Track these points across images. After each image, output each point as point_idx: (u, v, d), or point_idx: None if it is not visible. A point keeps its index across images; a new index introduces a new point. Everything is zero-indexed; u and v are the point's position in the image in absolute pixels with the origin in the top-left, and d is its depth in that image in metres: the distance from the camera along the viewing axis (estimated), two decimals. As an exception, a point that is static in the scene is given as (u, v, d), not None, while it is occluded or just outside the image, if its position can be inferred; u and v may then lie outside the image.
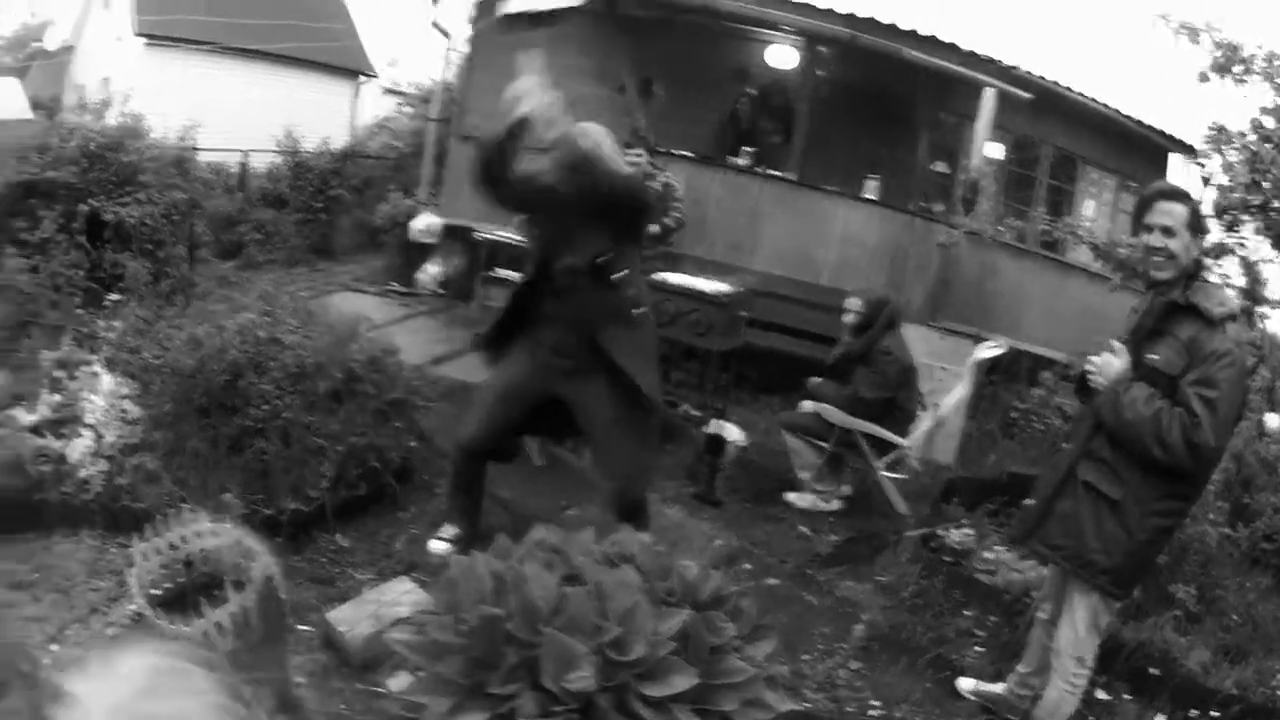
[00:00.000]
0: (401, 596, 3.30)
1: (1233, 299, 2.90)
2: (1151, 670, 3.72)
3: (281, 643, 2.97)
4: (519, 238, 6.54)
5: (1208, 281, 2.82)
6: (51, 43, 23.39)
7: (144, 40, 17.15)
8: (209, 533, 3.09)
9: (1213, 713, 3.60)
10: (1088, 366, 2.87)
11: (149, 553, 2.96)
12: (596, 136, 3.30)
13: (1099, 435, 2.84)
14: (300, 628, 3.16)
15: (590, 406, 3.58)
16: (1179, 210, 2.72)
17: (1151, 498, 2.76)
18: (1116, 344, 2.83)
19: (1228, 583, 4.45)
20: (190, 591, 3.00)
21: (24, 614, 3.06)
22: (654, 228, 6.33)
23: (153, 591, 2.94)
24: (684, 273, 5.78)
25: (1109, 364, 2.79)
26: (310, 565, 3.65)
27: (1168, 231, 2.71)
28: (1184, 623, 4.01)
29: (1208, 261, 3.97)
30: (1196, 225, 2.74)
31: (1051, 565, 3.14)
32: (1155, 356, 2.73)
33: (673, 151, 7.73)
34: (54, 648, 2.91)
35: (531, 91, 3.26)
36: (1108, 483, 2.80)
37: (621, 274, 3.45)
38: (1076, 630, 2.93)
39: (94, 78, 17.67)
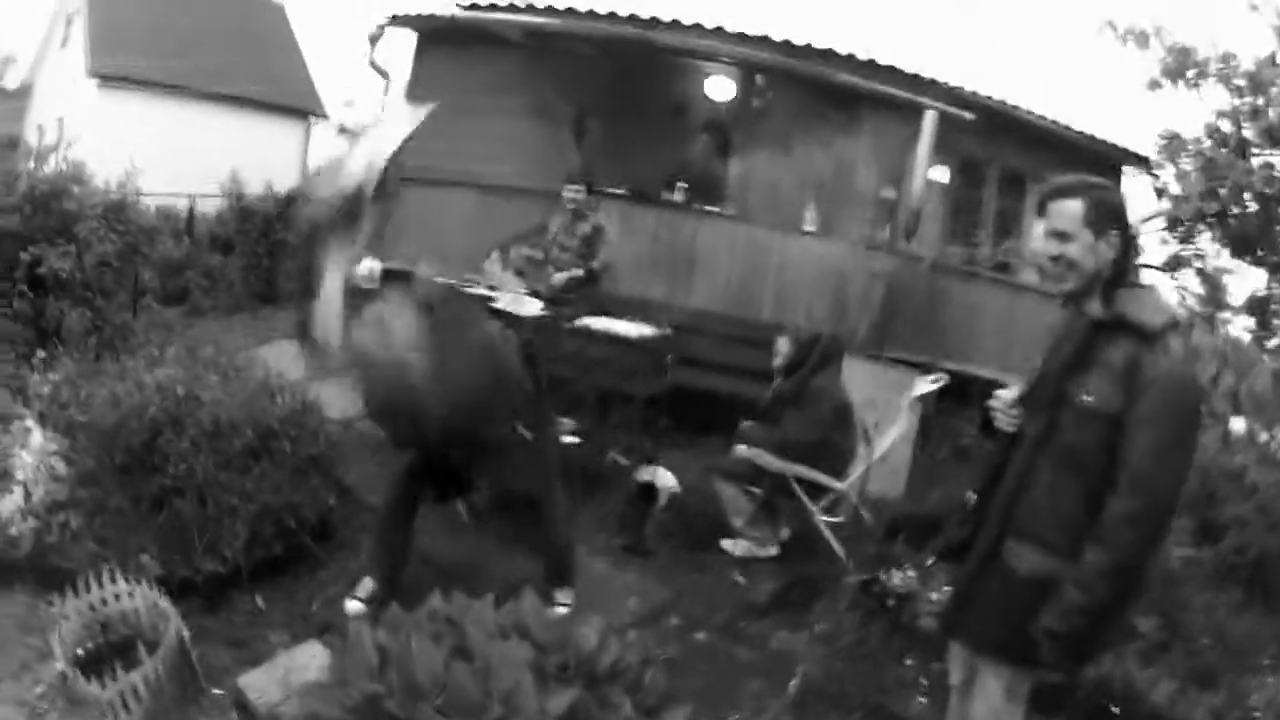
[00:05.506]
0: (310, 660, 3.26)
1: (1168, 304, 2.37)
2: (1113, 709, 3.53)
3: (193, 706, 3.09)
4: (458, 282, 6.37)
5: (1135, 285, 2.32)
6: (11, 81, 23.26)
7: (96, 81, 17.03)
8: (125, 594, 3.30)
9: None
10: (992, 403, 2.45)
11: (70, 614, 3.16)
12: None
13: (1021, 500, 2.36)
14: (214, 691, 3.19)
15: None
16: (1072, 207, 2.26)
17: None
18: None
19: (1194, 604, 4.28)
20: (108, 653, 3.19)
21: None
22: (579, 272, 6.17)
23: (77, 651, 3.13)
24: (609, 315, 5.62)
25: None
26: (225, 627, 3.66)
27: (1061, 236, 2.28)
28: (1149, 653, 3.81)
29: (1156, 271, 3.72)
30: (1100, 221, 2.25)
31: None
32: (1089, 398, 2.24)
33: (606, 190, 7.54)
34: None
35: None
36: (1042, 558, 2.33)
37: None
38: (992, 704, 2.49)
39: (51, 118, 17.57)
